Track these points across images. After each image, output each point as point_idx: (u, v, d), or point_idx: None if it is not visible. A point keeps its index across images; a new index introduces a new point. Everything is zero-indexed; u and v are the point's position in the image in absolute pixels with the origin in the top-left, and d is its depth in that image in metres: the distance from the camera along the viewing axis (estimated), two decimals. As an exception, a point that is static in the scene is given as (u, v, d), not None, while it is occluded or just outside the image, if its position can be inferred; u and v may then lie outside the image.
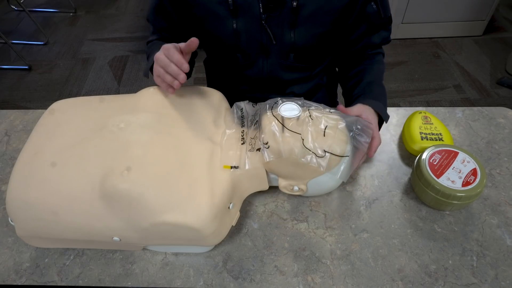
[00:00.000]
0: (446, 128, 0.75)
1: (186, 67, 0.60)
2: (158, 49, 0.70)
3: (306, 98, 0.95)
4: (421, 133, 0.73)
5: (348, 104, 0.80)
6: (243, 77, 0.86)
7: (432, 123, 0.75)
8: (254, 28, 0.74)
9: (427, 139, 0.72)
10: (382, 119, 0.71)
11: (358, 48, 0.82)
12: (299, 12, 0.71)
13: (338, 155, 0.58)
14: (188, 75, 0.84)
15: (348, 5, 0.73)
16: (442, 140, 0.72)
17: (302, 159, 0.57)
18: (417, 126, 0.75)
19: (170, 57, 0.61)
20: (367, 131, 0.62)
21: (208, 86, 1.04)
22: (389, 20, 0.78)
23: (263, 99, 0.92)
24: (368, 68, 0.80)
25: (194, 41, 0.60)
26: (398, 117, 0.83)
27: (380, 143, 0.67)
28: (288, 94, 0.91)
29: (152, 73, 0.70)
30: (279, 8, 0.71)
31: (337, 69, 0.95)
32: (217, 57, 0.89)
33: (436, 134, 0.73)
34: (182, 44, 0.62)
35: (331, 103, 1.04)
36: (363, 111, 0.68)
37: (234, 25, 0.74)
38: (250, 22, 0.73)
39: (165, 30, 0.82)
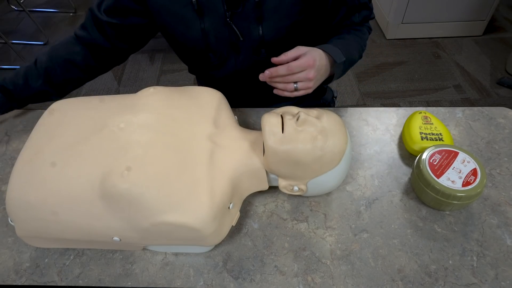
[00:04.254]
0: (446, 128, 0.75)
1: None
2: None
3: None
4: (421, 133, 0.73)
5: None
6: (220, 76, 0.86)
7: (432, 123, 0.75)
8: (221, 26, 0.74)
9: (427, 139, 0.72)
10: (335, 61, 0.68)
11: (339, 27, 0.81)
12: (263, 6, 0.70)
13: (338, 153, 0.58)
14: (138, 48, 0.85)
15: None
16: (442, 140, 0.72)
17: (303, 158, 0.57)
18: (417, 126, 0.75)
19: None
20: None
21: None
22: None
23: (250, 98, 0.91)
24: (340, 35, 0.78)
25: None
26: (398, 117, 0.83)
27: (308, 63, 0.62)
28: (271, 90, 0.90)
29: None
30: (241, 3, 0.70)
31: None
32: (191, 60, 0.88)
33: (436, 134, 0.73)
34: None
35: (324, 100, 1.03)
36: (305, 52, 0.63)
37: (202, 25, 0.74)
38: (216, 20, 0.73)
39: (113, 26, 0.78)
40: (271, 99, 0.91)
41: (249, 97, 0.92)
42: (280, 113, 0.61)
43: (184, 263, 0.60)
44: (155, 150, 0.57)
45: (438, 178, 0.62)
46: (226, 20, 0.73)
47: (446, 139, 0.72)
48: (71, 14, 2.81)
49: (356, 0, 0.76)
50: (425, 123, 0.75)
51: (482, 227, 0.63)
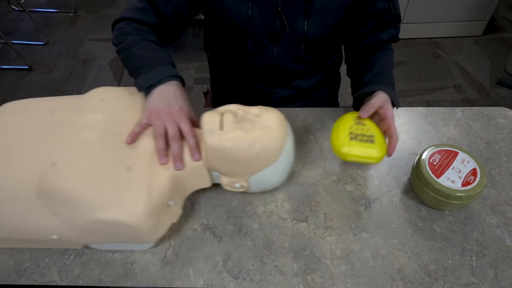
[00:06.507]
0: (380, 131, 0.66)
1: (197, 157, 0.60)
2: (160, 59, 0.65)
3: (309, 94, 0.96)
4: (350, 133, 0.64)
5: (356, 89, 0.79)
6: (251, 66, 0.86)
7: (365, 125, 0.66)
8: (269, 14, 0.75)
9: (356, 140, 0.63)
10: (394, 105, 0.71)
11: (366, 43, 0.82)
12: (313, 2, 0.72)
13: (275, 149, 0.59)
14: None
15: None
16: (373, 142, 0.63)
17: (241, 155, 0.57)
18: (348, 126, 0.66)
19: (185, 133, 0.60)
20: None
21: (212, 79, 1.04)
22: (398, 17, 0.79)
23: (267, 94, 0.92)
24: (378, 59, 0.80)
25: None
26: (398, 117, 0.83)
27: (397, 140, 0.63)
28: (293, 87, 0.91)
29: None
30: None
31: (345, 63, 0.94)
32: (225, 44, 0.88)
33: (368, 136, 0.64)
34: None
35: (332, 102, 1.04)
36: (384, 103, 0.66)
37: (250, 11, 0.74)
38: (265, 7, 0.74)
39: (167, 18, 0.76)
40: (282, 100, 0.92)
41: (262, 94, 0.93)
42: (221, 112, 0.61)
43: (184, 263, 0.60)
44: (94, 149, 0.57)
45: (438, 178, 0.62)
46: (277, 8, 0.73)
47: (379, 142, 0.64)
48: (71, 14, 2.81)
49: (391, 15, 0.76)
50: (357, 123, 0.66)
51: (481, 227, 0.63)
